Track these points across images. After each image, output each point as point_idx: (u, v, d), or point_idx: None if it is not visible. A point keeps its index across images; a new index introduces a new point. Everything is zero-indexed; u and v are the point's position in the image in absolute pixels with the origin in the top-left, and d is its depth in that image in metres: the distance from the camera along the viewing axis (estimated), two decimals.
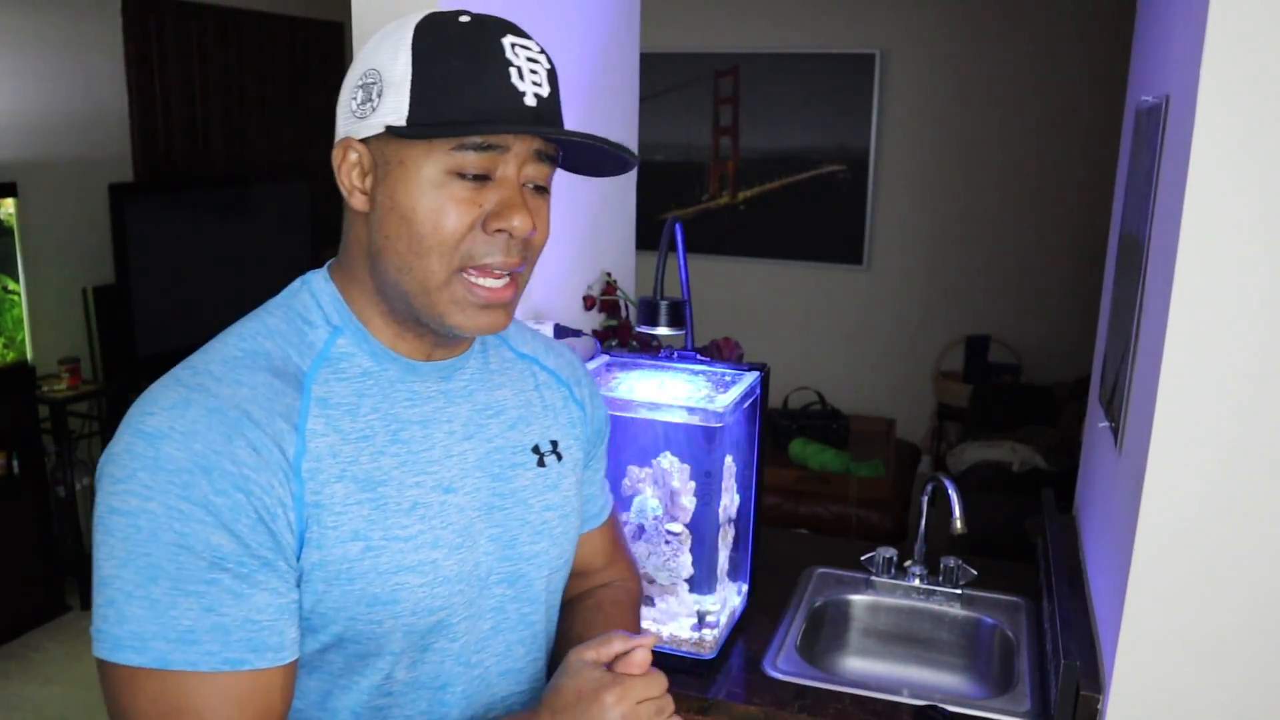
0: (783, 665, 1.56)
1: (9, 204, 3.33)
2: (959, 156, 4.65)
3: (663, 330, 1.72)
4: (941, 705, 1.44)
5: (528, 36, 0.87)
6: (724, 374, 1.67)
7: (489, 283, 0.86)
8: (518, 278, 0.89)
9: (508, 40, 0.84)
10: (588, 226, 2.12)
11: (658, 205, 4.94)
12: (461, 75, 0.82)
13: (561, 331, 1.80)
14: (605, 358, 1.75)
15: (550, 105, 0.86)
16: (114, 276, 3.80)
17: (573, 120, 2.02)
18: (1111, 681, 1.25)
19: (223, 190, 4.31)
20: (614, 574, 1.19)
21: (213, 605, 0.78)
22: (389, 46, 0.85)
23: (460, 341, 0.95)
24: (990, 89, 4.54)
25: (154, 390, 0.83)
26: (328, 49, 4.95)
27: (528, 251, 0.88)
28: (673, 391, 1.60)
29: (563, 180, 1.96)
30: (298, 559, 0.83)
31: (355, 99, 0.87)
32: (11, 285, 3.38)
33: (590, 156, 0.92)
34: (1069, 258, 4.50)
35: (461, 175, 0.83)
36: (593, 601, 1.12)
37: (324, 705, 0.89)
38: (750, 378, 1.64)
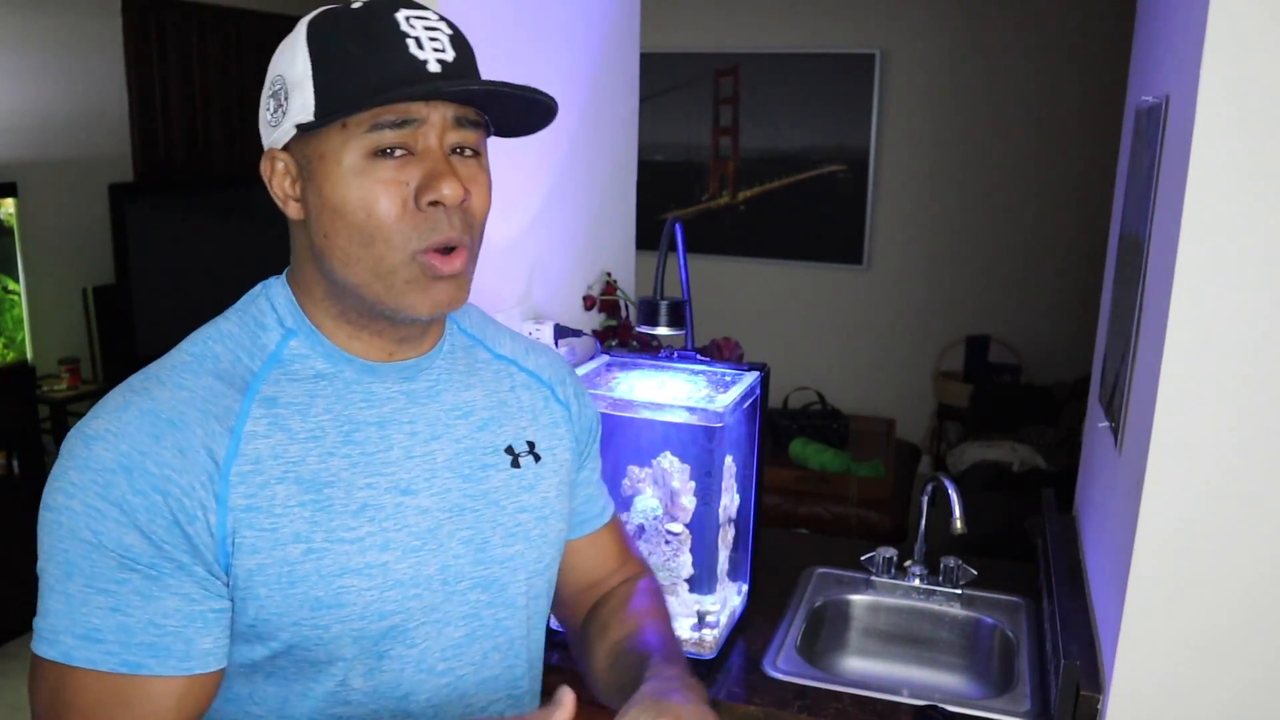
0: (783, 665, 1.56)
1: (9, 204, 3.33)
2: (959, 156, 4.65)
3: (663, 330, 1.72)
4: (941, 705, 1.44)
5: (423, 8, 0.86)
6: (724, 374, 1.67)
7: (438, 258, 0.84)
8: (464, 250, 0.86)
9: (401, 14, 0.83)
10: (588, 226, 2.12)
11: (658, 205, 4.94)
12: (358, 57, 0.81)
13: (562, 331, 1.80)
14: (605, 358, 1.75)
15: (458, 69, 0.84)
16: (114, 276, 3.81)
17: (570, 118, 2.01)
18: (1111, 681, 1.25)
19: (223, 190, 4.31)
20: (626, 573, 1.15)
21: (120, 605, 0.78)
22: (288, 51, 0.86)
23: (422, 340, 0.93)
24: (990, 89, 4.54)
25: (107, 395, 0.84)
26: None
27: (469, 220, 0.85)
28: (673, 391, 1.60)
29: (563, 180, 1.97)
30: (227, 567, 0.81)
31: (268, 110, 0.87)
32: (11, 285, 3.38)
33: (516, 111, 0.89)
34: (1069, 258, 4.50)
35: (381, 154, 0.81)
36: (607, 611, 1.08)
37: (282, 712, 0.88)
38: (750, 378, 1.64)
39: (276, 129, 0.86)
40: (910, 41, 4.62)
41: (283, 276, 0.93)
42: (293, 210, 0.87)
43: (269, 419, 0.84)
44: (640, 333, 1.86)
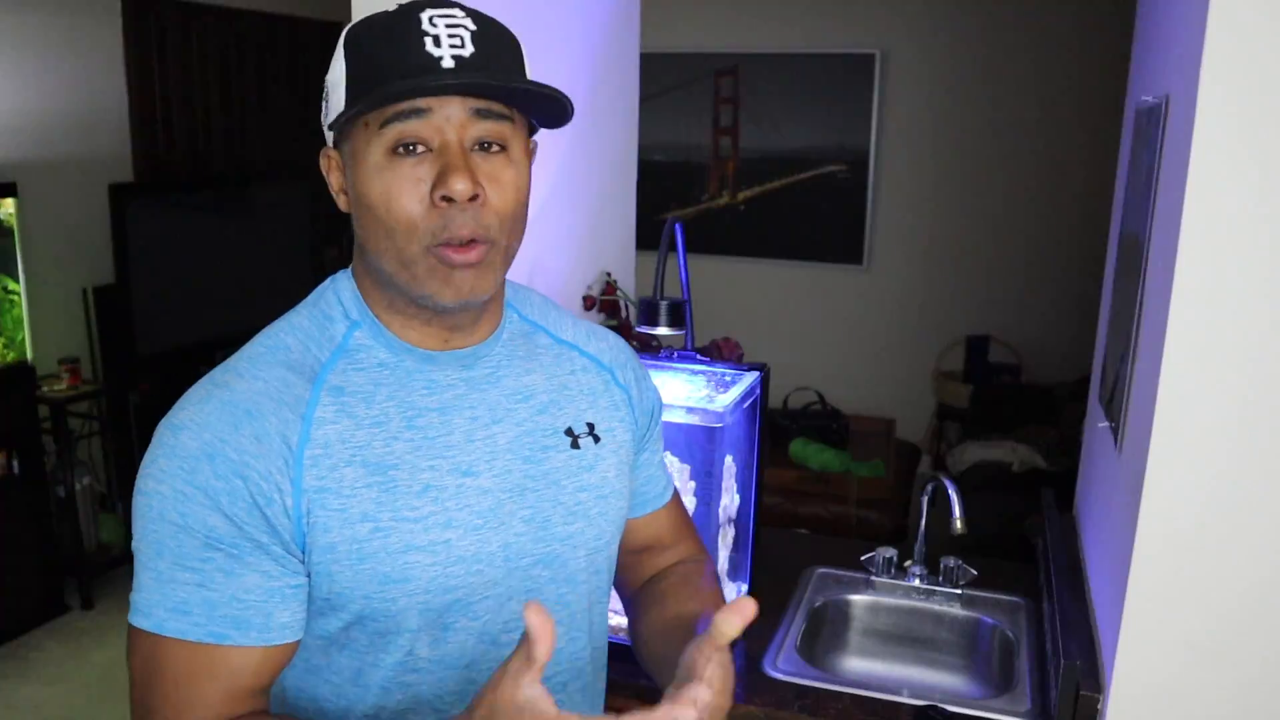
0: (783, 665, 1.56)
1: (9, 204, 3.33)
2: (959, 156, 4.65)
3: (663, 330, 1.72)
4: (941, 705, 1.44)
5: (452, 7, 0.88)
6: (724, 374, 1.67)
7: (453, 250, 0.86)
8: (483, 244, 0.87)
9: (426, 14, 0.86)
10: (588, 226, 2.12)
11: (658, 205, 4.94)
12: (382, 59, 0.85)
13: None
14: None
15: (473, 63, 0.85)
16: (114, 276, 3.80)
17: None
18: (1111, 681, 1.25)
19: (223, 190, 4.31)
20: (682, 551, 1.18)
21: (204, 581, 0.85)
22: (334, 56, 0.91)
23: (475, 328, 0.96)
24: (990, 89, 4.54)
25: (191, 389, 0.91)
26: (328, 49, 4.93)
27: (488, 218, 0.87)
28: (673, 391, 1.60)
29: (562, 181, 1.97)
30: (303, 545, 0.87)
31: (323, 111, 0.93)
32: (11, 285, 3.39)
33: (534, 106, 0.90)
34: (1069, 258, 4.50)
35: (400, 151, 0.85)
36: (666, 585, 1.11)
37: (357, 681, 0.94)
38: (750, 378, 1.64)
39: (326, 129, 0.92)
40: (910, 41, 4.62)
41: (349, 270, 0.98)
42: (342, 203, 0.93)
43: (336, 406, 0.90)
44: (640, 333, 1.86)
